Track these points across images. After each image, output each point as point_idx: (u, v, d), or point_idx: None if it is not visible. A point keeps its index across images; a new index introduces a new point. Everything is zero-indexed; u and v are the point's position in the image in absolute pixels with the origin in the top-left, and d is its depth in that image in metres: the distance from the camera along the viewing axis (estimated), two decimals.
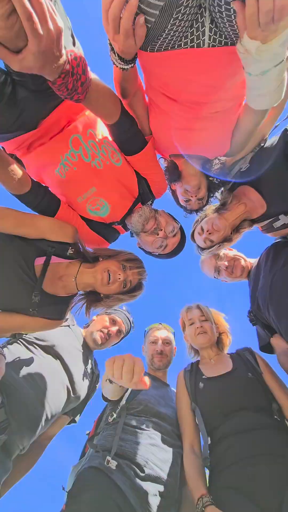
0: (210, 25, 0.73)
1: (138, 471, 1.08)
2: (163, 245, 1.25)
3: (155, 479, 1.09)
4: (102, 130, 1.14)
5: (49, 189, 1.20)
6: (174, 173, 1.18)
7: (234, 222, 1.37)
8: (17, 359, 1.19)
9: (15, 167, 1.03)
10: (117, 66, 0.83)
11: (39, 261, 1.11)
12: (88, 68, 0.75)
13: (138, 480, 1.05)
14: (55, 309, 1.18)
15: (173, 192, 1.32)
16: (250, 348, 1.49)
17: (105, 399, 1.21)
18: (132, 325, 1.71)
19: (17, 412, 1.05)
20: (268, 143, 1.23)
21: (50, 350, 1.31)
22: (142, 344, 1.76)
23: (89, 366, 1.49)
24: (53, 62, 0.63)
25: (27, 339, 1.31)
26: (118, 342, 1.67)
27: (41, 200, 1.13)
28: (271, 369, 1.37)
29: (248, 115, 0.95)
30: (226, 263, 1.56)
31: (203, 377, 1.39)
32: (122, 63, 0.80)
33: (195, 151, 1.11)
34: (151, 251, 1.32)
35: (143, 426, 1.23)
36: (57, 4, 0.76)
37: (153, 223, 1.21)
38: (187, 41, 0.76)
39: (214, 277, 1.67)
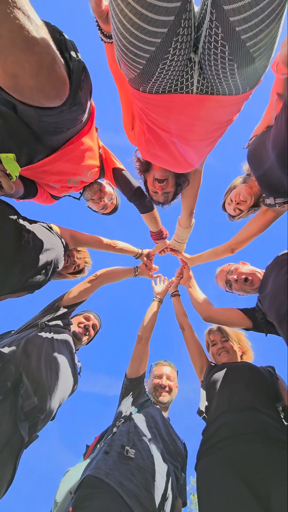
0: (199, 77, 0.82)
1: (140, 473, 1.11)
2: (105, 208, 1.77)
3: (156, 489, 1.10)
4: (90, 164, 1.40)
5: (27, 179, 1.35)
6: (146, 164, 1.36)
7: (259, 191, 1.49)
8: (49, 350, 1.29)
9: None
10: (102, 40, 0.98)
11: None
12: None
13: (142, 490, 1.07)
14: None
15: (145, 183, 1.46)
16: (274, 367, 1.48)
17: None
18: (100, 321, 1.88)
19: (44, 412, 1.14)
20: None
21: (68, 349, 1.43)
22: (147, 378, 1.85)
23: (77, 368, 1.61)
24: None
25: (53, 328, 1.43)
26: (93, 337, 1.80)
27: (28, 195, 1.36)
28: None
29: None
30: (235, 276, 1.60)
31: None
32: (104, 37, 0.97)
33: (166, 166, 1.27)
34: (97, 211, 1.81)
35: (150, 434, 1.28)
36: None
37: (99, 196, 1.67)
38: (177, 88, 0.85)
39: (227, 291, 1.70)
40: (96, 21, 0.94)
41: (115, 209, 1.84)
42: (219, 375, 1.38)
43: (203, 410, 1.27)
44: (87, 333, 1.69)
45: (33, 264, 1.21)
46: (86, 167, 1.37)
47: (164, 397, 1.63)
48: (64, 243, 1.47)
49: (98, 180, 1.66)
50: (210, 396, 1.32)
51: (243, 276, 1.56)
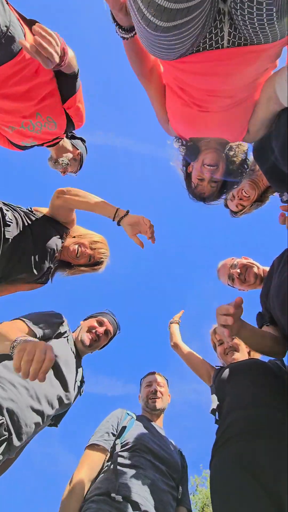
0: (229, 29, 0.74)
1: (134, 509, 1.06)
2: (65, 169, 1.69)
3: None
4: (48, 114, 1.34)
5: None
6: (193, 149, 1.18)
7: (263, 186, 1.47)
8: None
9: None
10: (120, 37, 0.86)
11: None
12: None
13: None
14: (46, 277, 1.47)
15: (187, 176, 1.28)
16: (282, 360, 1.42)
17: None
18: (118, 326, 1.74)
19: (16, 427, 1.07)
20: None
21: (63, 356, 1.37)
22: (138, 393, 1.81)
23: (79, 375, 1.51)
24: None
25: None
26: (107, 343, 1.68)
27: None
28: None
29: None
30: (238, 270, 1.56)
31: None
32: (123, 32, 0.84)
33: (208, 134, 1.14)
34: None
35: (138, 465, 1.21)
36: None
37: (63, 171, 1.66)
38: (206, 46, 0.77)
39: (229, 285, 1.67)
40: (114, 20, 0.84)
41: (78, 167, 1.77)
42: (226, 376, 1.35)
43: (215, 408, 1.24)
44: (98, 340, 1.55)
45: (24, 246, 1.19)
46: (37, 110, 1.28)
47: (157, 403, 1.59)
48: (58, 226, 1.42)
49: (66, 161, 1.61)
50: (220, 398, 1.30)
51: (245, 269, 1.55)
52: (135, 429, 1.38)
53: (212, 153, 1.13)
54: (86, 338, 1.52)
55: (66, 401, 1.35)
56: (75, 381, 1.45)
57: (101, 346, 1.63)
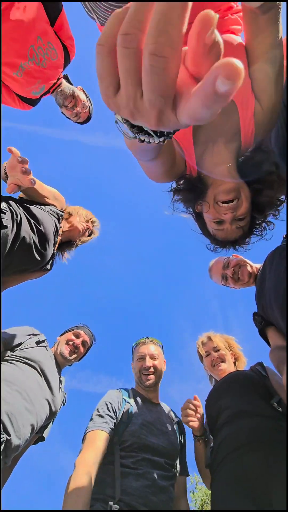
0: None
1: None
2: (78, 116, 1.77)
3: None
4: (46, 36, 1.39)
5: None
6: (198, 184, 0.87)
7: None
8: (12, 375, 1.26)
9: None
10: (142, 141, 0.39)
11: None
12: None
13: None
14: (51, 263, 1.49)
15: (198, 216, 0.98)
16: (262, 363, 1.44)
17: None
18: (94, 337, 1.82)
19: (15, 428, 1.10)
20: None
21: (36, 367, 1.38)
22: (131, 361, 1.76)
23: (62, 385, 1.57)
24: None
25: (14, 356, 1.37)
26: (84, 354, 1.74)
27: None
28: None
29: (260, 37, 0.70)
30: (232, 269, 1.54)
31: None
32: (157, 136, 0.39)
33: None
34: (70, 118, 1.80)
35: (137, 466, 1.20)
36: None
37: (71, 101, 1.67)
38: None
39: (222, 284, 1.65)
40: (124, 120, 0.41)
41: (88, 118, 1.86)
42: (213, 396, 1.34)
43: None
44: (77, 351, 1.63)
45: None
46: (37, 34, 1.34)
47: (151, 380, 1.52)
48: (53, 211, 1.41)
49: (71, 87, 1.68)
50: (212, 420, 1.27)
51: (238, 267, 1.53)
52: (134, 424, 1.33)
53: (226, 183, 0.82)
54: (65, 350, 1.59)
55: (53, 408, 1.39)
56: (59, 387, 1.49)
57: (80, 357, 1.70)
